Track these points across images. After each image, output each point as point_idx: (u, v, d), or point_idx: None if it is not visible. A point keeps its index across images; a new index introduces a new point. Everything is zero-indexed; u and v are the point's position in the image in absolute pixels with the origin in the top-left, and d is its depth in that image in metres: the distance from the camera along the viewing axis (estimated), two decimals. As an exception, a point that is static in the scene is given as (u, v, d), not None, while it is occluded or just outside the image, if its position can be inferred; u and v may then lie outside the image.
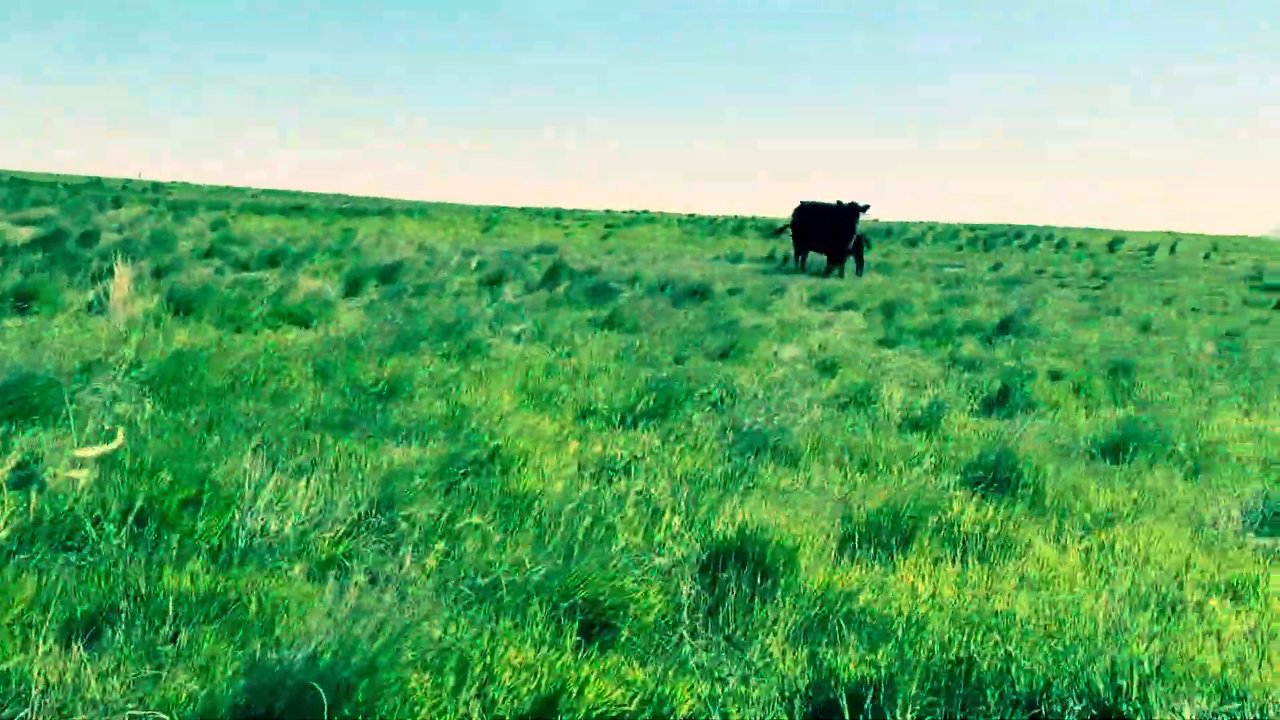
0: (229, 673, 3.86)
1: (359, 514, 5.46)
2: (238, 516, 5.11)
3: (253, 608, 4.41)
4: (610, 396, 9.31)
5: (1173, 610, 5.25)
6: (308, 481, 5.58)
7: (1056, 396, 11.20)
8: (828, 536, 5.95)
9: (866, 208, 29.88)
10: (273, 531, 5.09)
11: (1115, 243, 55.25)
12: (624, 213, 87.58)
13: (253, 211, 49.14)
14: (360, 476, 6.09)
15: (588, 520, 5.62)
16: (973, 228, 73.00)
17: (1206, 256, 47.78)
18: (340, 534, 5.27)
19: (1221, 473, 8.23)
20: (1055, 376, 12.64)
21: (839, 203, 30.10)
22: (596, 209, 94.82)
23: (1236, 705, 3.98)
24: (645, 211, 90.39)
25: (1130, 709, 3.90)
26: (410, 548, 5.10)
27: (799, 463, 7.65)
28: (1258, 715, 3.93)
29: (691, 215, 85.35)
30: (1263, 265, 39.82)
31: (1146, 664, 4.06)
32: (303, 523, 5.22)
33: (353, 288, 17.29)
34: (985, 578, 5.59)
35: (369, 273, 19.04)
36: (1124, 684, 3.98)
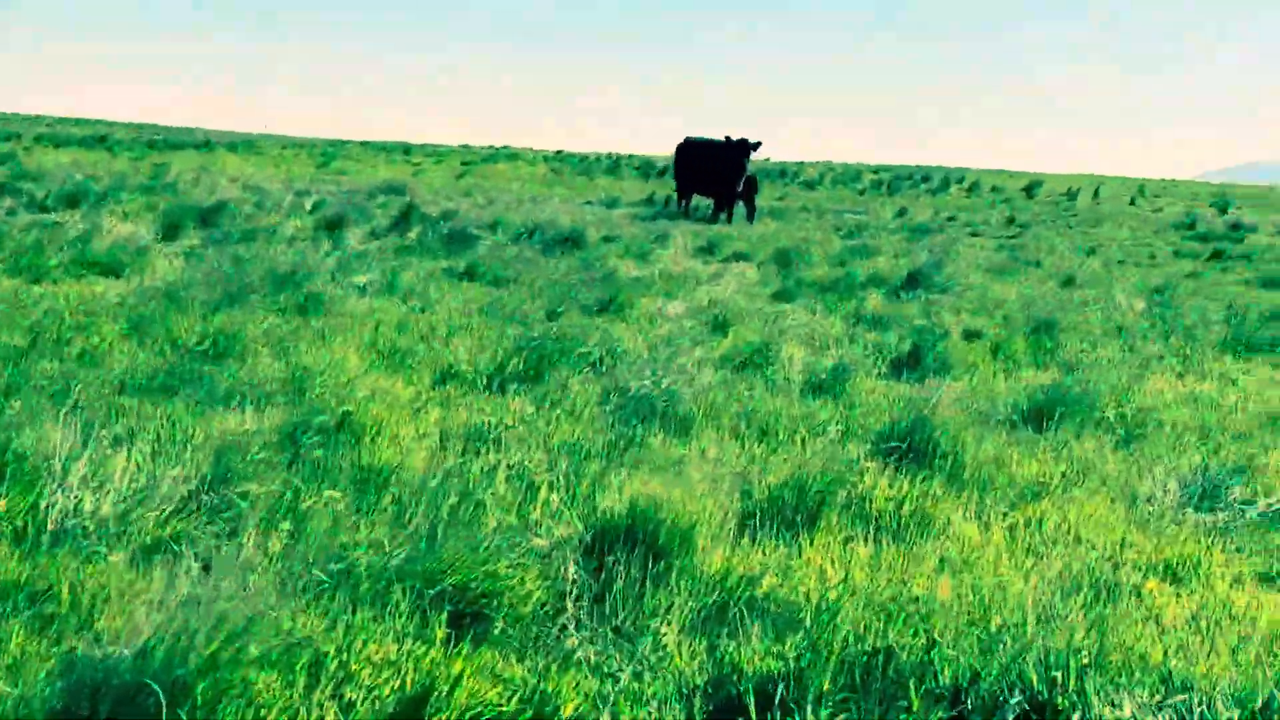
0: (43, 673, 3.78)
1: (188, 491, 5.37)
2: (46, 494, 5.00)
3: (67, 598, 4.33)
4: (474, 357, 9.27)
5: (1108, 594, 5.39)
6: (128, 454, 5.48)
7: (973, 358, 11.40)
8: (726, 514, 5.98)
9: (758, 145, 29.96)
10: (88, 511, 4.99)
11: (1033, 186, 56.23)
12: (483, 148, 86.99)
13: (49, 143, 47.93)
14: (189, 448, 5.99)
15: (454, 497, 5.59)
16: (875, 169, 73.97)
17: (1133, 202, 48.95)
18: (167, 514, 5.18)
19: (1156, 442, 8.44)
20: (971, 336, 12.87)
21: (727, 138, 30.15)
22: (450, 144, 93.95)
23: (1181, 697, 4.09)
24: (506, 147, 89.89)
25: (1066, 702, 4.01)
26: (250, 529, 5.04)
27: (691, 431, 7.70)
28: (1204, 707, 4.05)
29: (560, 152, 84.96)
30: (1195, 212, 40.86)
31: (1084, 653, 4.17)
32: (123, 501, 5.12)
33: (170, 232, 16.98)
34: (901, 559, 5.69)
35: (188, 215, 18.69)
36: (1058, 675, 4.08)
